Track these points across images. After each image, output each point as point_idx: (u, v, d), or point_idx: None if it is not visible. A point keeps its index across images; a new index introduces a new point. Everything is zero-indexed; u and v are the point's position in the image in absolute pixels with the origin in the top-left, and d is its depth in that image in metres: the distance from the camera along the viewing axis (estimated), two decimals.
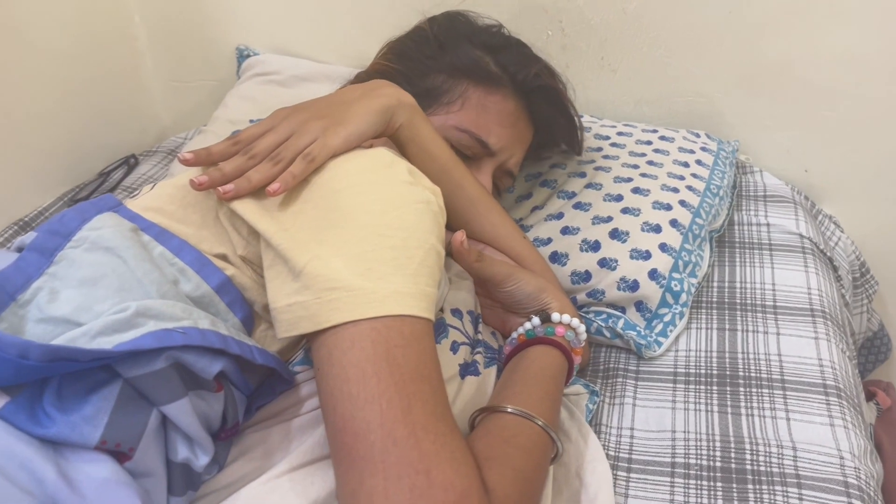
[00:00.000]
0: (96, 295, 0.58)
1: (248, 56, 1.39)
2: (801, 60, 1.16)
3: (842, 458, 0.73)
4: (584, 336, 0.78)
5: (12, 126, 1.15)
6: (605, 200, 0.99)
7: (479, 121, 0.86)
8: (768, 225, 1.08)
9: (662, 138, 1.15)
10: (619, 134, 1.16)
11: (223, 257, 0.66)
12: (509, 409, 0.64)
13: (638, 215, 0.95)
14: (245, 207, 0.63)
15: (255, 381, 0.65)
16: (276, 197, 0.62)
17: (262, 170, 0.64)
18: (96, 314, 0.56)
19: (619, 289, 0.89)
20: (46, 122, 1.22)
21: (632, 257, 0.90)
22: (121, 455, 0.52)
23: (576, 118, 0.99)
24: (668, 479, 0.73)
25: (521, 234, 0.83)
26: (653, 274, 0.89)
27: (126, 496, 0.50)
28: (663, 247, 0.91)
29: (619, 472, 0.75)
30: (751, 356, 0.86)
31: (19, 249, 0.64)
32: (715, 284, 0.98)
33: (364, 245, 0.57)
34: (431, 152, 0.76)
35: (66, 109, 1.26)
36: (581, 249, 0.93)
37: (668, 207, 0.97)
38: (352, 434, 0.51)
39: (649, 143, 1.13)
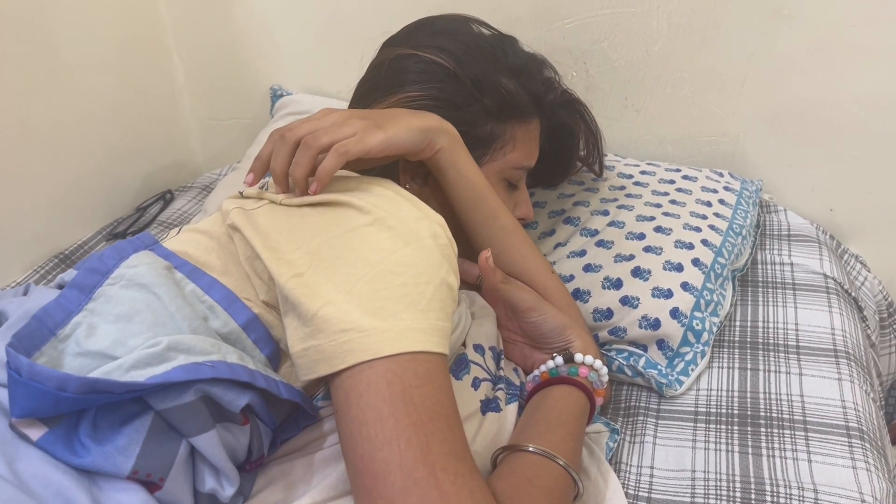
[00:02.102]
0: (131, 330, 0.61)
1: (282, 96, 1.44)
2: (824, 100, 1.17)
3: (863, 501, 0.72)
4: (606, 378, 0.79)
5: (55, 162, 1.21)
6: (627, 239, 1.00)
7: (528, 153, 0.89)
8: (792, 264, 1.09)
9: (685, 178, 1.16)
10: (643, 173, 1.18)
11: (248, 300, 0.67)
12: (531, 449, 0.65)
13: (660, 254, 0.96)
14: (264, 251, 0.64)
15: (280, 415, 0.67)
16: (293, 235, 0.64)
17: (300, 162, 0.66)
18: (130, 348, 0.59)
19: (640, 327, 0.90)
20: (87, 158, 1.27)
21: (653, 295, 0.91)
22: (151, 485, 0.55)
23: (596, 130, 1.01)
24: None
25: (549, 268, 0.84)
26: (674, 312, 0.90)
27: None
28: (685, 285, 0.92)
29: None
30: (773, 396, 0.86)
31: (60, 286, 0.67)
32: (738, 324, 0.99)
33: (375, 284, 0.59)
34: (470, 180, 0.78)
35: (106, 146, 1.31)
36: (603, 287, 0.94)
37: (691, 246, 0.98)
38: (372, 475, 0.52)
39: (672, 182, 1.15)
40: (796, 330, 0.96)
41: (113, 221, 1.33)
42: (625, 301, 0.92)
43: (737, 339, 0.96)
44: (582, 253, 1.00)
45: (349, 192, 0.66)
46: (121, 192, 1.36)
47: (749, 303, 1.02)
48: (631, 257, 0.97)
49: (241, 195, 0.74)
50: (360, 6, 1.33)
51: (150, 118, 1.41)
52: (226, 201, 0.74)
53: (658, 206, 1.07)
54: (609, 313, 0.92)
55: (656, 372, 0.89)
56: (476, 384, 0.73)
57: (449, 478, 0.52)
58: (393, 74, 0.85)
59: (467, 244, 0.81)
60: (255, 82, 1.48)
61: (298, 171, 0.66)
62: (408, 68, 0.84)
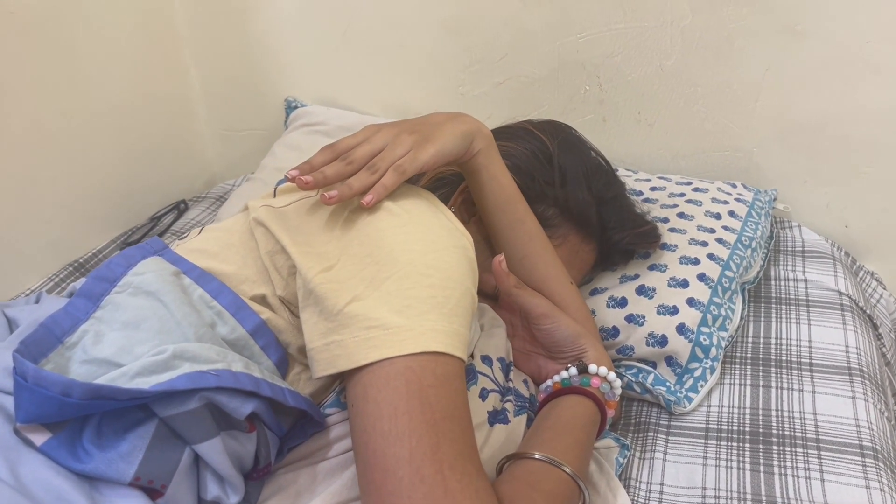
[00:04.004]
0: (138, 337, 0.61)
1: (296, 107, 1.45)
2: (839, 116, 1.16)
3: None
4: (619, 390, 0.78)
5: (71, 171, 1.22)
6: (632, 260, 1.00)
7: (570, 262, 0.90)
8: (806, 281, 1.07)
9: (696, 189, 1.16)
10: (653, 189, 1.18)
11: (262, 298, 0.68)
12: (536, 456, 0.65)
13: (665, 271, 0.96)
14: (292, 245, 0.66)
15: (287, 423, 0.67)
16: (325, 232, 0.66)
17: (361, 178, 0.67)
18: (136, 356, 0.59)
19: (647, 344, 0.90)
20: (103, 169, 1.29)
21: (659, 313, 0.91)
22: (153, 492, 0.54)
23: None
24: None
25: (569, 279, 0.84)
26: (681, 328, 0.89)
27: None
28: (691, 301, 0.91)
29: None
30: (785, 414, 0.85)
31: (71, 294, 0.68)
32: (749, 340, 0.98)
33: (404, 283, 0.60)
34: (501, 183, 0.79)
35: (122, 156, 1.32)
36: (608, 306, 0.93)
37: (696, 262, 0.97)
38: (381, 470, 0.53)
39: (682, 195, 1.14)
40: (809, 347, 0.95)
41: (127, 230, 1.34)
42: (630, 319, 0.91)
43: (749, 355, 0.95)
44: (588, 279, 1.01)
45: (386, 197, 0.67)
46: (135, 201, 1.37)
47: (762, 319, 1.01)
48: (636, 276, 0.96)
49: (274, 194, 0.76)
50: (374, 20, 1.34)
51: (165, 129, 1.42)
52: (252, 200, 0.75)
53: (665, 220, 1.06)
54: (615, 332, 0.92)
55: (665, 389, 0.88)
56: (484, 395, 0.72)
57: (456, 476, 0.53)
58: (510, 130, 0.93)
59: (490, 258, 0.82)
60: (269, 94, 1.49)
61: (358, 185, 0.67)
62: (520, 135, 0.91)
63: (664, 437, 0.85)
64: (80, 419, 0.55)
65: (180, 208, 1.41)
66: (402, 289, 0.59)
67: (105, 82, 1.25)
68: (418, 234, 0.64)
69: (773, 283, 1.08)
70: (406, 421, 0.54)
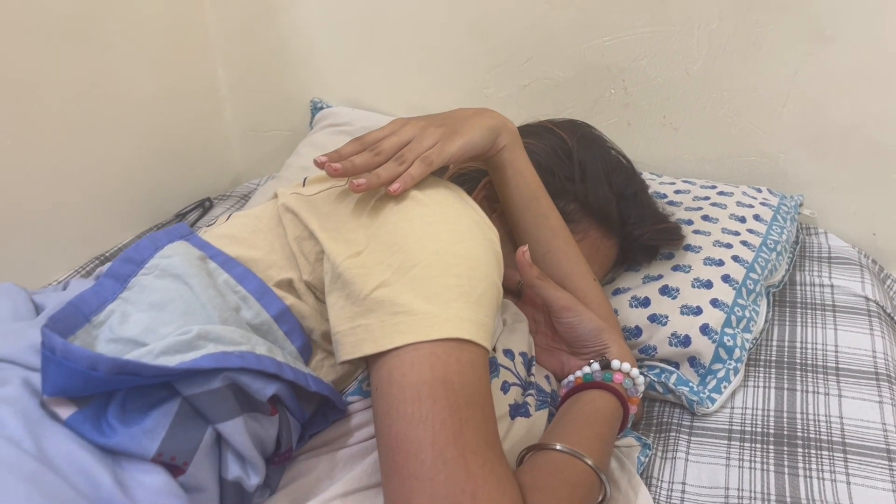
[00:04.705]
0: (163, 318, 0.61)
1: (322, 108, 1.46)
2: (868, 122, 1.15)
3: None
4: (641, 386, 0.78)
5: (99, 166, 1.24)
6: (656, 259, 1.00)
7: (591, 257, 0.90)
8: (832, 286, 1.06)
9: (721, 193, 1.15)
10: (677, 192, 1.17)
11: (288, 283, 0.69)
12: (558, 447, 0.64)
13: (688, 272, 0.95)
14: (321, 230, 0.67)
15: (309, 409, 0.67)
16: (353, 219, 0.66)
17: (389, 168, 0.68)
18: (161, 336, 0.59)
19: (670, 344, 0.89)
20: (131, 165, 1.30)
21: (682, 313, 0.90)
22: (175, 469, 0.55)
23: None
24: None
25: (592, 275, 0.84)
26: (704, 329, 0.88)
27: None
28: (714, 302, 0.91)
29: None
30: (810, 417, 0.84)
31: (97, 278, 0.68)
32: (774, 343, 0.96)
33: (431, 271, 0.60)
34: (526, 177, 0.80)
35: (150, 154, 1.34)
36: (631, 305, 0.93)
37: (721, 263, 0.96)
38: (404, 453, 0.53)
39: (707, 198, 1.13)
40: (836, 352, 0.93)
41: (153, 226, 1.36)
42: (653, 318, 0.91)
43: (773, 358, 0.94)
44: (610, 279, 1.00)
45: (415, 187, 0.68)
46: (162, 197, 1.38)
47: (787, 323, 1.00)
48: (659, 277, 0.96)
49: (304, 184, 0.77)
50: (400, 22, 1.35)
51: (193, 128, 1.44)
52: (281, 188, 0.76)
53: (689, 222, 1.06)
54: (638, 331, 0.91)
55: (687, 389, 0.87)
56: (505, 388, 0.72)
57: (478, 461, 0.53)
58: (529, 128, 0.94)
59: (512, 253, 0.82)
60: (295, 95, 1.50)
61: (386, 175, 0.68)
62: (540, 132, 0.93)
63: (686, 437, 0.84)
64: (105, 395, 0.55)
65: (205, 206, 1.43)
66: (429, 276, 0.60)
67: (134, 81, 1.27)
68: (447, 224, 0.64)
69: (798, 287, 1.07)
70: (430, 405, 0.54)
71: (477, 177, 0.89)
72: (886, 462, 0.77)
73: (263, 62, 1.48)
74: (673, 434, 0.85)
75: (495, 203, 0.86)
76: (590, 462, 0.63)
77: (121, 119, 1.26)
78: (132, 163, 1.30)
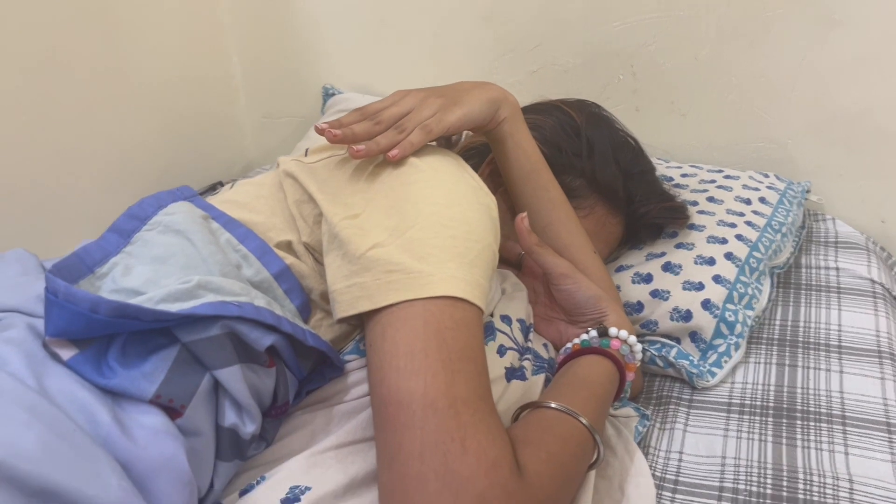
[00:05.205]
0: (165, 271, 0.63)
1: (333, 95, 1.48)
2: (877, 108, 1.14)
3: None
4: (639, 354, 0.78)
5: (113, 149, 1.26)
6: (660, 238, 1.00)
7: (596, 234, 0.90)
8: (837, 269, 1.06)
9: (728, 177, 1.15)
10: (684, 175, 1.17)
11: (287, 245, 0.70)
12: (553, 405, 0.65)
13: (691, 249, 0.96)
14: (320, 193, 0.68)
15: (307, 367, 0.68)
16: (351, 184, 0.68)
17: (388, 136, 0.69)
18: (162, 287, 0.61)
19: (672, 319, 0.89)
20: (146, 149, 1.33)
21: (684, 288, 0.90)
22: (173, 411, 0.56)
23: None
24: (716, 502, 0.71)
25: (592, 248, 0.85)
26: (706, 304, 0.88)
27: (172, 446, 0.53)
28: (717, 278, 0.91)
29: (665, 493, 0.73)
30: (811, 391, 0.84)
31: None
32: (777, 322, 0.96)
33: (427, 232, 0.61)
34: (526, 150, 0.80)
35: (165, 140, 1.36)
36: (633, 281, 0.93)
37: (724, 241, 0.96)
38: (395, 404, 0.54)
39: (713, 181, 1.13)
40: (839, 330, 0.93)
41: None
42: (655, 294, 0.91)
43: (776, 336, 0.94)
44: (615, 257, 1.01)
45: (413, 154, 0.69)
46: (174, 181, 1.40)
47: (791, 303, 1.00)
48: (662, 254, 0.96)
49: (305, 154, 0.79)
50: (411, 9, 1.37)
51: (207, 114, 1.46)
52: (283, 158, 0.78)
53: (695, 203, 1.06)
54: (640, 306, 0.91)
55: (688, 363, 0.87)
56: (502, 351, 0.73)
57: (469, 410, 0.53)
58: (538, 105, 0.96)
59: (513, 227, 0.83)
60: (308, 82, 1.52)
61: (385, 142, 0.69)
62: (548, 110, 0.93)
63: (686, 409, 0.84)
64: (106, 339, 0.56)
65: (217, 190, 1.44)
66: (424, 238, 0.61)
67: (149, 66, 1.30)
68: (443, 189, 0.65)
69: (803, 270, 1.07)
70: (422, 358, 0.55)
71: (485, 151, 0.89)
72: (886, 434, 0.77)
73: (277, 50, 1.51)
74: (672, 406, 0.85)
75: (500, 179, 0.86)
76: (584, 420, 0.64)
77: (135, 103, 1.28)
78: (147, 147, 1.33)
